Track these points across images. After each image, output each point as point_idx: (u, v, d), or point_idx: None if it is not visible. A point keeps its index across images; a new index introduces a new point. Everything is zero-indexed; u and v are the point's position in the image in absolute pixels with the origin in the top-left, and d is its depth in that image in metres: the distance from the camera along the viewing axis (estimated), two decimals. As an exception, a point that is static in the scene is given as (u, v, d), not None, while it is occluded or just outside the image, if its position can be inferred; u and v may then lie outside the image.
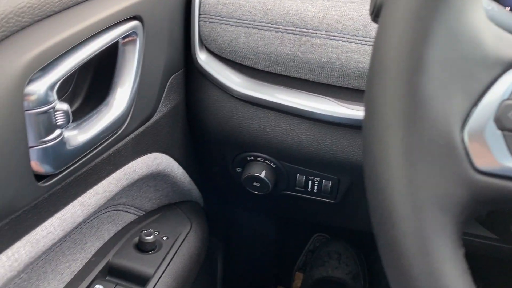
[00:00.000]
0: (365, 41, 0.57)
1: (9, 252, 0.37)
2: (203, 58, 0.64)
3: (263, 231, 1.17)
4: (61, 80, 0.38)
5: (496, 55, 0.28)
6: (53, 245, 0.44)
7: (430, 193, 0.27)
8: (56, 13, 0.38)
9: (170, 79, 0.60)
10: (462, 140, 0.27)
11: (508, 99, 0.27)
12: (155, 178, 0.62)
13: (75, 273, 0.56)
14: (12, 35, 0.34)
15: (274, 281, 1.26)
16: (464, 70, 0.28)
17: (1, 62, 0.32)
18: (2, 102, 0.32)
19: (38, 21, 0.36)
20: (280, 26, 0.60)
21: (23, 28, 0.35)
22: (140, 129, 0.54)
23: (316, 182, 0.69)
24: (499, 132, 0.27)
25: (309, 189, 0.71)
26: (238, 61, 0.63)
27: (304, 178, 0.69)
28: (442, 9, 0.27)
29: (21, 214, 0.38)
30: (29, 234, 0.39)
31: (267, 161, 0.68)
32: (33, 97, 0.35)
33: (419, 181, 0.27)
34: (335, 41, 0.58)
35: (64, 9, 0.39)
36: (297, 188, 0.71)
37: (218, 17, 0.62)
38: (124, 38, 0.48)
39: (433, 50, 0.27)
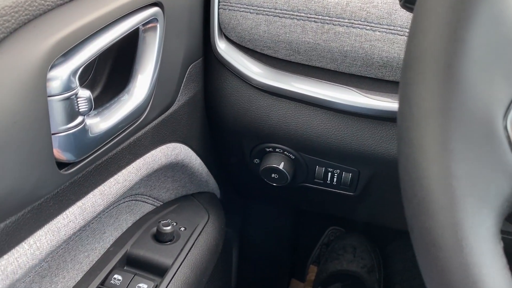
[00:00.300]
0: (389, 29, 0.56)
1: (31, 240, 0.37)
2: (222, 46, 0.62)
3: (278, 223, 1.17)
4: (83, 66, 0.37)
5: None
6: (73, 234, 0.43)
7: (469, 183, 0.26)
8: (78, -3, 0.37)
9: (189, 68, 0.59)
10: (505, 128, 0.26)
11: (554, 86, 0.26)
12: (173, 168, 0.62)
13: (94, 262, 0.55)
14: (34, 19, 0.33)
15: (288, 273, 1.25)
16: (509, 54, 0.26)
17: (25, 46, 0.32)
18: (26, 87, 0.31)
19: (61, 5, 0.36)
20: (302, 14, 0.58)
21: (45, 12, 0.34)
22: (160, 118, 0.54)
23: (335, 174, 0.68)
24: (544, 120, 0.26)
25: (328, 181, 0.70)
26: (258, 49, 0.62)
27: (323, 170, 0.68)
28: (486, -10, 0.26)
29: (43, 202, 0.37)
30: (50, 223, 0.39)
31: (285, 153, 0.67)
32: (55, 83, 0.34)
33: (458, 170, 0.26)
34: (358, 29, 0.57)
35: (86, -7, 0.38)
36: (316, 180, 0.70)
37: (238, 5, 0.60)
38: (144, 25, 0.47)
39: (476, 32, 0.26)
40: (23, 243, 0.36)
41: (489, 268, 0.25)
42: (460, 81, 0.26)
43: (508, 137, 0.26)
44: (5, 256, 0.35)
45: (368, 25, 0.56)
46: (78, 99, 0.37)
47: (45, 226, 0.38)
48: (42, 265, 0.45)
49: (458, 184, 0.26)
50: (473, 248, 0.26)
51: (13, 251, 0.35)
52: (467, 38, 0.26)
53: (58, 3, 0.35)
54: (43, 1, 0.33)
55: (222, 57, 0.62)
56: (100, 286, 0.53)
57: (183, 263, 0.58)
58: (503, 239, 0.66)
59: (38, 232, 0.38)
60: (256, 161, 0.70)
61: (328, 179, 0.69)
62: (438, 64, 0.26)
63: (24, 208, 0.35)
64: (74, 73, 0.36)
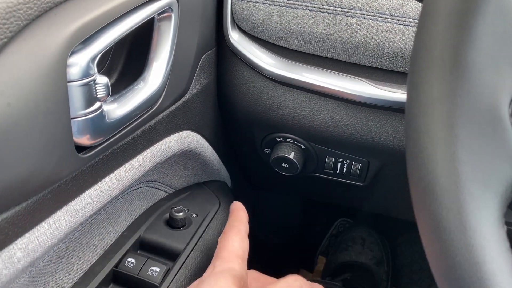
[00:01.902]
0: (401, 20, 0.56)
1: (50, 220, 0.39)
2: (235, 37, 0.63)
3: (287, 214, 1.18)
4: (101, 53, 0.38)
5: None
6: (90, 216, 0.45)
7: (474, 168, 0.26)
8: (97, -14, 0.39)
9: (202, 58, 0.60)
10: (511, 115, 0.27)
11: (561, 73, 0.27)
12: (186, 156, 0.63)
13: (108, 246, 0.57)
14: (55, 6, 0.35)
15: (297, 264, 1.27)
16: None
17: (46, 33, 0.33)
18: (47, 72, 0.33)
19: (80, -7, 0.37)
20: (314, 5, 0.59)
21: (66, 0, 0.35)
22: (174, 107, 0.55)
23: (345, 165, 0.69)
24: (550, 108, 0.26)
25: (338, 172, 0.70)
26: (270, 40, 0.63)
27: (333, 160, 0.69)
28: (494, -21, 0.26)
29: (62, 184, 0.39)
30: (69, 204, 0.41)
31: (296, 142, 0.68)
32: (75, 69, 0.36)
33: (463, 155, 0.26)
34: (370, 20, 0.57)
35: (105, -18, 0.40)
36: (326, 170, 0.71)
37: (251, -4, 0.61)
38: (159, 14, 0.48)
39: (483, 21, 0.26)
40: (43, 223, 0.38)
41: (491, 250, 0.26)
42: (466, 69, 0.27)
43: (513, 124, 0.27)
44: (27, 235, 0.36)
45: (380, 16, 0.57)
46: (96, 85, 0.38)
47: (64, 207, 0.40)
48: (60, 246, 0.47)
49: (462, 169, 0.27)
50: (476, 230, 0.26)
51: (34, 230, 0.37)
52: (474, 27, 0.26)
53: (78, -9, 0.37)
54: (64, -10, 0.35)
55: (234, 47, 0.63)
56: (114, 268, 0.55)
57: (194, 248, 0.60)
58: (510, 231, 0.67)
59: (57, 213, 0.39)
60: (267, 150, 0.71)
61: (338, 169, 0.70)
62: (445, 52, 0.27)
63: (44, 189, 0.37)
64: (92, 59, 0.37)
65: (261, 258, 1.13)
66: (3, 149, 0.31)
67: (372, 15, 0.57)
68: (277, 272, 1.21)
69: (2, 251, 0.34)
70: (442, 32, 0.27)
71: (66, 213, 0.40)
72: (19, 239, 0.36)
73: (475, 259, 0.26)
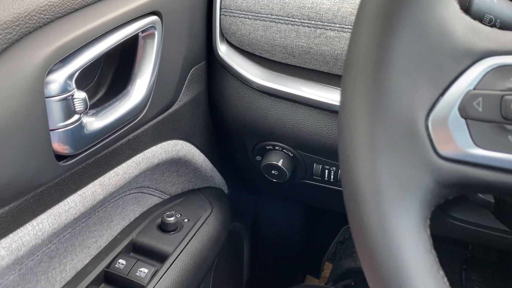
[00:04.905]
0: (377, 33, 0.58)
1: (34, 222, 0.42)
2: (223, 50, 0.67)
3: (292, 220, 1.20)
4: (80, 70, 0.42)
5: (466, 46, 0.29)
6: (76, 219, 0.49)
7: (392, 176, 0.29)
8: (76, 10, 0.43)
9: (191, 71, 0.64)
10: (426, 127, 0.29)
11: (474, 89, 0.29)
12: (176, 163, 0.66)
13: (101, 248, 0.61)
14: (34, 30, 0.39)
15: (303, 270, 1.28)
16: (432, 61, 0.29)
17: (24, 55, 0.37)
18: (25, 89, 0.37)
19: (59, 17, 0.41)
20: (296, 19, 0.62)
21: (45, 24, 0.39)
22: (160, 117, 0.58)
23: (332, 172, 0.71)
24: (462, 120, 0.28)
25: (326, 178, 0.73)
26: (256, 53, 0.66)
27: (320, 167, 0.71)
28: (408, 3, 0.28)
29: (45, 190, 0.43)
30: (52, 208, 0.44)
31: (284, 150, 0.71)
32: (53, 85, 0.40)
33: (382, 165, 0.29)
34: (348, 33, 0.60)
35: (84, 6, 0.44)
36: (315, 177, 0.73)
37: (237, 11, 0.64)
38: (143, 31, 0.52)
39: (399, 42, 0.29)
40: (27, 224, 0.42)
41: (410, 252, 0.28)
42: (384, 85, 0.29)
43: (429, 135, 0.29)
44: (10, 235, 0.40)
45: (357, 29, 0.59)
46: (74, 100, 0.42)
47: (47, 211, 0.44)
48: (49, 247, 0.51)
49: (381, 177, 0.29)
50: (394, 234, 0.29)
51: (18, 231, 0.41)
52: (392, 47, 0.29)
53: (57, 16, 0.41)
54: (42, 15, 0.39)
55: (223, 60, 0.67)
56: (105, 269, 0.59)
57: (183, 251, 0.63)
58: (486, 234, 0.68)
59: (40, 216, 0.43)
60: (258, 158, 0.74)
61: (326, 176, 0.72)
62: (366, 70, 0.29)
63: (26, 194, 0.41)
64: (70, 77, 0.41)
65: (265, 264, 1.15)
66: (-17, 158, 0.35)
67: (351, 29, 0.59)
68: (284, 277, 1.23)
69: (-14, 250, 0.38)
70: (363, 51, 0.29)
71: (50, 216, 0.44)
72: (3, 239, 0.40)
73: (395, 260, 0.28)
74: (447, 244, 1.10)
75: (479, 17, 0.39)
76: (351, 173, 0.30)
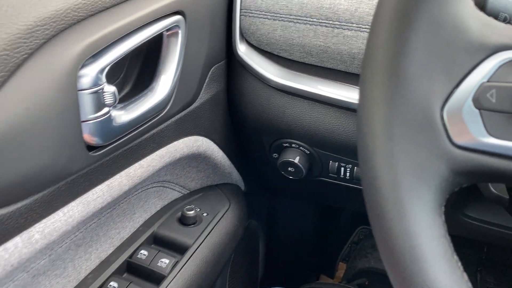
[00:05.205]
0: (394, 32, 0.60)
1: (64, 209, 0.45)
2: (243, 50, 0.69)
3: (307, 220, 1.21)
4: (110, 65, 0.44)
5: (480, 41, 0.30)
6: (103, 208, 0.51)
7: (408, 163, 0.30)
8: (107, 8, 0.45)
9: (212, 69, 0.66)
10: (442, 118, 0.30)
11: (488, 81, 0.30)
12: (197, 159, 0.69)
13: (124, 239, 0.63)
14: (69, 27, 0.41)
15: (317, 269, 1.29)
16: (447, 55, 0.30)
17: (60, 49, 0.39)
18: (59, 82, 0.39)
19: (92, 15, 0.43)
20: (314, 19, 0.64)
21: (78, 21, 0.42)
22: (182, 113, 0.61)
23: (348, 169, 0.73)
24: (476, 111, 0.30)
25: (342, 176, 0.74)
26: (275, 52, 0.68)
27: (336, 165, 0.73)
28: (425, 0, 0.30)
29: (75, 179, 0.45)
30: (81, 196, 0.47)
31: (301, 148, 0.72)
32: (85, 79, 0.42)
33: (399, 152, 0.30)
34: (365, 33, 0.61)
35: (115, 5, 0.46)
36: (331, 174, 0.74)
37: (257, 12, 0.66)
38: (168, 30, 0.54)
39: (417, 36, 0.30)
40: (59, 211, 0.44)
41: (426, 235, 0.30)
42: (402, 77, 0.30)
43: (444, 125, 0.30)
44: (44, 220, 0.43)
45: (374, 29, 0.60)
46: (104, 93, 0.44)
47: (77, 199, 0.46)
48: (77, 235, 0.53)
49: (399, 164, 0.30)
50: (411, 218, 0.30)
51: (50, 216, 0.43)
52: (409, 41, 0.30)
53: (89, 13, 0.43)
54: (76, 13, 0.41)
55: (242, 59, 0.69)
56: (128, 259, 0.61)
57: (202, 244, 0.65)
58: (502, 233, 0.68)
59: (71, 203, 0.46)
60: (275, 155, 0.76)
61: (342, 174, 0.74)
62: (384, 62, 0.31)
63: (59, 182, 0.43)
64: (101, 71, 0.43)
65: (282, 261, 1.17)
66: (22, 145, 0.38)
67: (368, 28, 0.61)
68: (299, 276, 1.24)
69: (22, 233, 0.41)
70: (382, 44, 0.31)
71: (79, 204, 0.46)
72: (37, 224, 0.42)
73: (410, 243, 0.30)
74: (462, 246, 1.11)
75: (494, 15, 0.40)
76: (370, 160, 0.31)
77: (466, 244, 1.11)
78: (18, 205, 0.40)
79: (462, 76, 0.30)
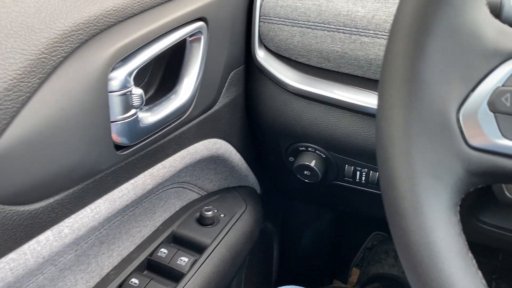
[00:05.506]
0: (410, 39, 0.61)
1: (92, 206, 0.47)
2: (261, 55, 0.71)
3: (321, 225, 1.22)
4: (138, 69, 0.47)
5: (495, 47, 0.32)
6: (127, 206, 0.53)
7: (425, 163, 0.31)
8: (135, 14, 0.47)
9: (231, 74, 0.68)
10: (458, 120, 0.32)
11: (503, 85, 0.31)
12: (215, 161, 0.71)
13: (145, 237, 0.65)
14: (101, 32, 0.43)
15: (330, 274, 1.30)
16: (464, 59, 0.32)
17: (92, 53, 0.42)
18: (91, 84, 0.41)
19: (122, 21, 0.46)
20: (332, 26, 0.65)
21: (110, 27, 0.44)
22: (203, 116, 0.63)
23: (364, 173, 0.74)
24: (491, 114, 0.31)
25: (357, 180, 0.75)
26: (293, 58, 0.69)
27: (352, 169, 0.74)
28: (443, 7, 0.32)
29: (103, 177, 0.47)
30: (108, 194, 0.49)
31: (317, 152, 0.74)
32: (115, 82, 0.44)
33: (416, 152, 0.32)
34: (382, 39, 0.63)
35: (142, 11, 0.48)
36: (346, 178, 0.76)
37: (276, 18, 0.68)
38: (190, 36, 0.56)
39: (434, 41, 0.32)
40: (87, 207, 0.46)
41: (441, 232, 0.31)
42: (420, 81, 0.32)
43: (460, 127, 0.32)
44: (73, 216, 0.45)
45: (391, 36, 0.62)
46: (132, 96, 0.46)
47: (104, 196, 0.48)
48: (101, 232, 0.55)
49: (416, 164, 0.32)
50: (427, 215, 0.31)
51: (78, 212, 0.45)
52: (427, 46, 0.32)
53: (119, 20, 0.45)
54: (107, 19, 0.43)
55: (261, 64, 0.71)
56: (148, 257, 0.63)
57: (220, 244, 0.67)
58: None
59: (98, 200, 0.48)
60: (291, 159, 0.77)
61: (357, 178, 0.75)
62: (403, 66, 0.32)
63: (87, 179, 0.45)
64: (129, 74, 0.45)
65: (295, 264, 1.18)
66: (55, 143, 0.40)
67: (384, 35, 0.62)
68: (312, 280, 1.25)
69: (53, 227, 0.43)
70: (401, 49, 0.33)
71: (106, 201, 0.48)
72: (67, 219, 0.44)
73: (426, 239, 0.31)
74: (477, 254, 1.10)
75: (509, 22, 0.41)
76: (389, 160, 0.33)
77: (482, 252, 1.10)
78: (50, 200, 0.42)
79: (478, 81, 0.32)
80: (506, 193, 0.57)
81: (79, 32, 0.41)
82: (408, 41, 0.32)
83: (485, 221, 0.75)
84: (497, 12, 0.40)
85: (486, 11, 0.33)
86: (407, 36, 0.32)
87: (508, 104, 0.31)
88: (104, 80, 0.42)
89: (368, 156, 0.70)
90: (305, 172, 0.75)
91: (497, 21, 0.33)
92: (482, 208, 0.75)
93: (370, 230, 1.31)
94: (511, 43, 0.32)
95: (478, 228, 0.76)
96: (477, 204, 0.74)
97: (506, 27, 0.33)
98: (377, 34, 0.63)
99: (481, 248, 0.89)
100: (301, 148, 0.75)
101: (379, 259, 1.24)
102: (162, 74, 0.59)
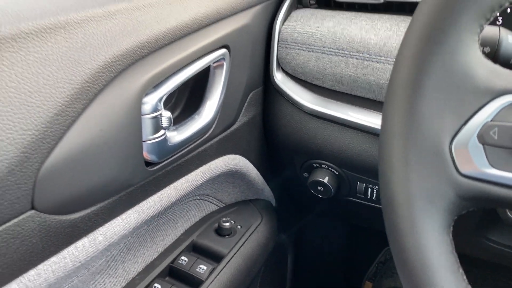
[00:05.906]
0: (419, 66, 0.65)
1: (123, 216, 0.52)
2: (279, 77, 0.76)
3: (334, 239, 1.25)
4: (167, 94, 0.52)
5: (486, 85, 0.36)
6: (153, 217, 0.58)
7: (421, 188, 0.36)
8: (165, 45, 0.53)
9: (250, 95, 0.73)
10: (450, 150, 0.36)
11: (491, 120, 0.35)
12: (233, 175, 0.75)
13: (167, 245, 0.70)
14: (136, 62, 0.49)
15: (344, 287, 1.33)
16: (457, 97, 0.36)
17: (128, 81, 0.47)
18: (127, 108, 0.47)
19: (154, 51, 0.51)
20: (346, 52, 0.70)
21: (143, 57, 0.49)
22: (223, 134, 0.68)
23: (375, 190, 0.77)
24: (480, 145, 0.35)
25: (369, 196, 0.79)
26: (308, 80, 0.74)
27: (364, 186, 0.78)
28: (439, 49, 0.36)
29: (133, 190, 0.52)
30: (137, 205, 0.54)
31: (330, 168, 0.78)
32: (147, 106, 0.49)
33: (413, 178, 0.36)
34: (393, 65, 0.67)
35: (171, 42, 0.54)
36: (358, 194, 0.80)
37: (293, 43, 0.73)
38: (214, 62, 0.61)
39: (431, 80, 0.36)
40: (118, 217, 0.52)
41: (435, 250, 0.35)
42: (417, 115, 0.36)
43: (452, 157, 0.36)
44: (106, 224, 0.50)
45: (401, 63, 0.66)
46: (162, 118, 0.51)
47: (134, 207, 0.53)
48: (129, 240, 0.60)
49: (413, 188, 0.36)
50: (422, 235, 0.35)
51: (111, 222, 0.51)
52: (424, 84, 0.36)
53: (151, 50, 0.51)
54: (141, 50, 0.49)
55: (278, 86, 0.75)
56: (170, 264, 0.68)
57: (236, 253, 0.71)
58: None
59: (128, 211, 0.53)
60: (306, 175, 0.82)
61: (369, 194, 0.79)
62: (402, 102, 0.37)
63: (120, 192, 0.50)
64: (160, 99, 0.51)
65: (310, 278, 1.21)
66: (94, 161, 0.45)
67: (395, 61, 0.67)
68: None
69: (89, 234, 0.48)
70: (401, 86, 0.37)
71: (135, 212, 0.53)
72: (101, 227, 0.49)
73: (420, 256, 0.35)
74: (489, 271, 1.12)
75: (506, 60, 0.45)
76: (388, 183, 0.37)
77: (493, 268, 1.12)
78: (88, 210, 0.47)
79: (469, 116, 0.36)
80: (509, 214, 0.61)
81: (117, 63, 0.46)
82: (407, 79, 0.37)
83: (492, 239, 0.78)
84: (493, 52, 0.44)
85: (478, 53, 0.37)
86: (407, 74, 0.37)
87: (496, 137, 0.35)
88: (138, 105, 0.48)
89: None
90: (319, 188, 0.79)
91: (488, 62, 0.37)
92: (490, 227, 0.78)
93: (383, 245, 1.34)
94: (500, 82, 0.36)
95: (487, 246, 0.78)
96: (485, 223, 0.77)
97: (496, 67, 0.37)
98: (388, 60, 0.67)
99: (497, 265, 0.91)
100: (315, 165, 0.79)
101: (392, 273, 1.27)
102: (187, 96, 0.64)
